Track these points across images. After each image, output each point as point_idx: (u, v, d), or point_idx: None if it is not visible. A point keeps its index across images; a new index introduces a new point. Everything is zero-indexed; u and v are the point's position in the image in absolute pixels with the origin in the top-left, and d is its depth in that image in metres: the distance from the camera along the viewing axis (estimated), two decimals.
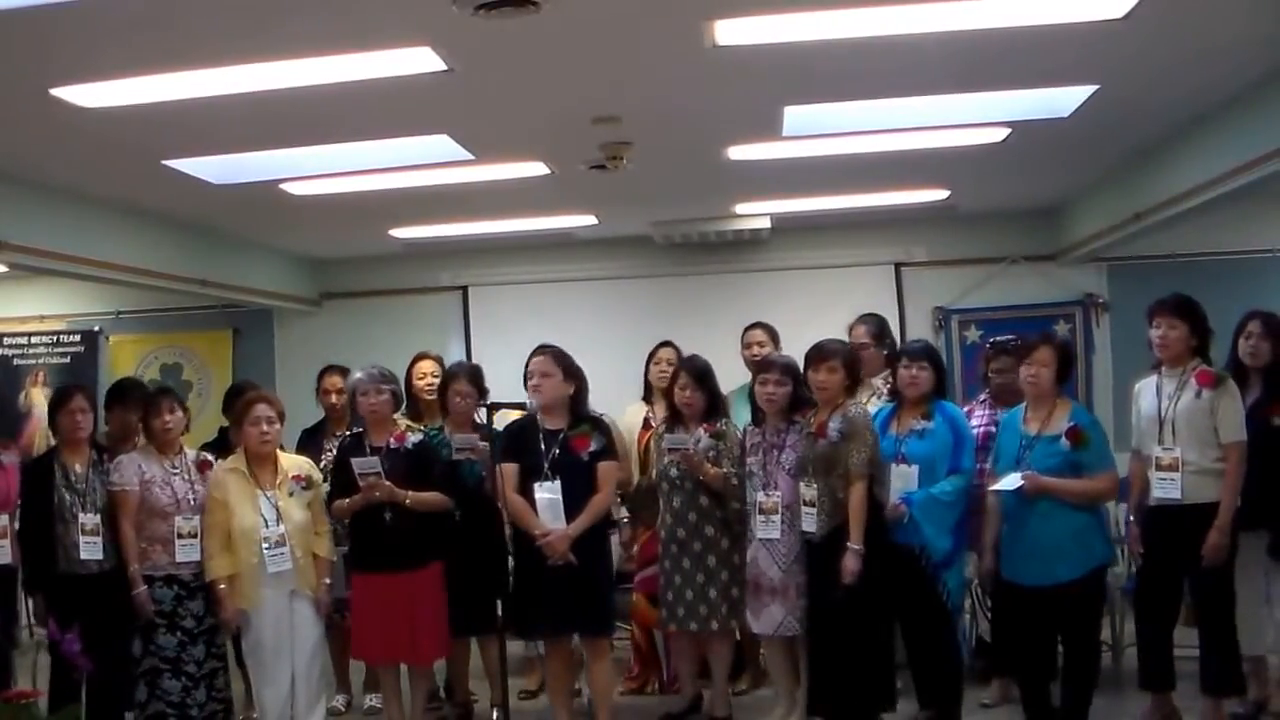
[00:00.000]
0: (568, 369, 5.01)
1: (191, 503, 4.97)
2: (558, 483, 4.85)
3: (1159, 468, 4.69)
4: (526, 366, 6.08)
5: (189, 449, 5.19)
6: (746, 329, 6.20)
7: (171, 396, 5.26)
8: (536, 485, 4.87)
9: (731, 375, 5.86)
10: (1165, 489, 4.68)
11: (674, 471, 5.22)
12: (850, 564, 4.68)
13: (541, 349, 6.01)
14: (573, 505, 4.83)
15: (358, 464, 4.98)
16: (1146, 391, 4.88)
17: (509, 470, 4.99)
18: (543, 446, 4.93)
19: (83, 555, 4.89)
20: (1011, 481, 4.71)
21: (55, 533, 4.93)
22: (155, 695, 4.87)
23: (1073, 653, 4.67)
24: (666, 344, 6.02)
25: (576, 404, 5.01)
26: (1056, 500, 4.62)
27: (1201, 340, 4.76)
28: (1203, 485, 4.62)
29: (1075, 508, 4.62)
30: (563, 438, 4.93)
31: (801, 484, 4.86)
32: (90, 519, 4.92)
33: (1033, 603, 4.67)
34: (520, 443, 5.03)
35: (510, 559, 5.40)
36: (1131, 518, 4.86)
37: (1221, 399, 4.63)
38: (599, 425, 5.03)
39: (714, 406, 5.34)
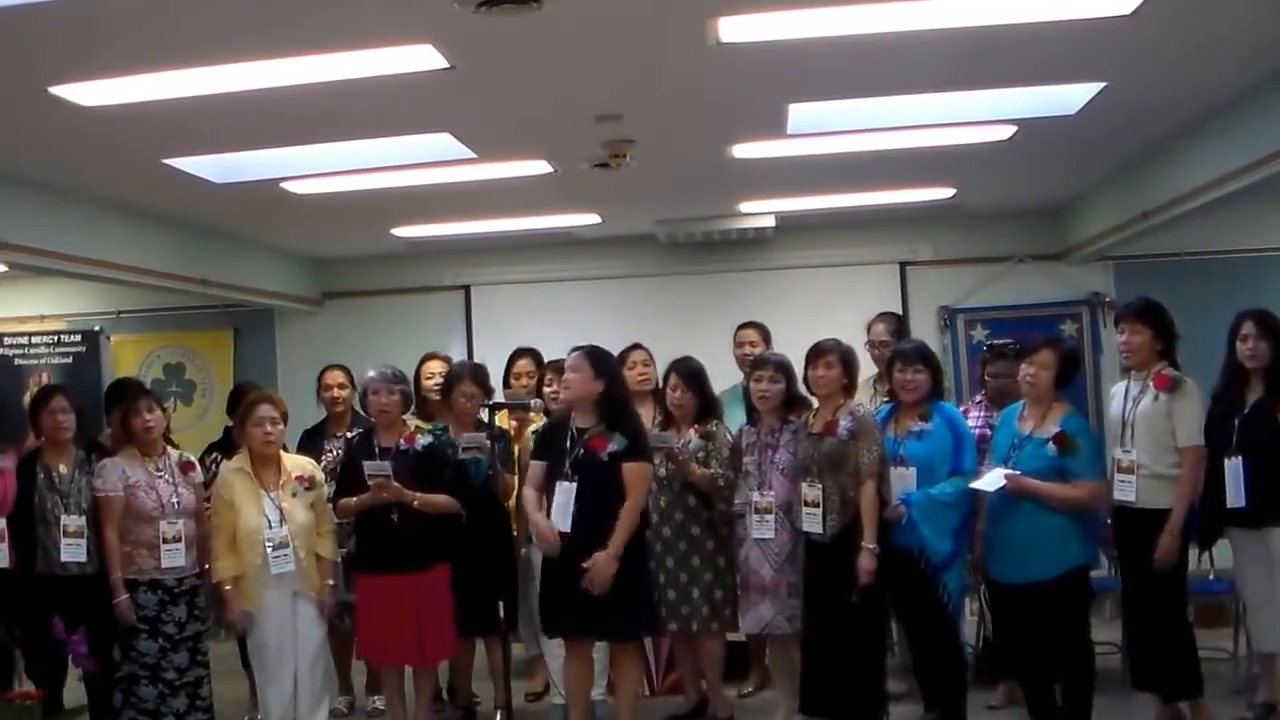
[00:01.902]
0: (598, 368, 4.85)
1: (176, 506, 4.91)
2: (574, 484, 4.76)
3: (1119, 470, 4.74)
4: (509, 366, 6.15)
5: (171, 450, 5.10)
6: (738, 328, 6.17)
7: (150, 396, 5.18)
8: (557, 484, 4.81)
9: (734, 376, 5.83)
10: (1123, 491, 4.72)
11: (662, 471, 5.18)
12: (866, 563, 4.65)
13: (523, 351, 6.14)
14: (586, 506, 4.71)
15: (369, 467, 4.95)
16: (1118, 395, 4.90)
17: (534, 467, 4.95)
18: (568, 445, 4.85)
19: (63, 557, 4.84)
20: (993, 480, 4.71)
21: (36, 534, 4.86)
22: (130, 703, 4.78)
23: (1063, 653, 4.65)
24: (636, 346, 5.84)
25: (605, 403, 4.85)
26: (1039, 501, 4.62)
27: (1167, 345, 4.76)
28: (1156, 490, 4.63)
29: (1056, 510, 4.62)
30: (586, 437, 4.83)
31: (804, 484, 4.82)
32: (73, 521, 4.86)
33: (1015, 601, 4.70)
34: (548, 441, 4.98)
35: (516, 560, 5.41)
36: (1109, 520, 4.88)
37: (1177, 402, 4.63)
38: (620, 425, 4.81)
39: (706, 408, 5.31)
